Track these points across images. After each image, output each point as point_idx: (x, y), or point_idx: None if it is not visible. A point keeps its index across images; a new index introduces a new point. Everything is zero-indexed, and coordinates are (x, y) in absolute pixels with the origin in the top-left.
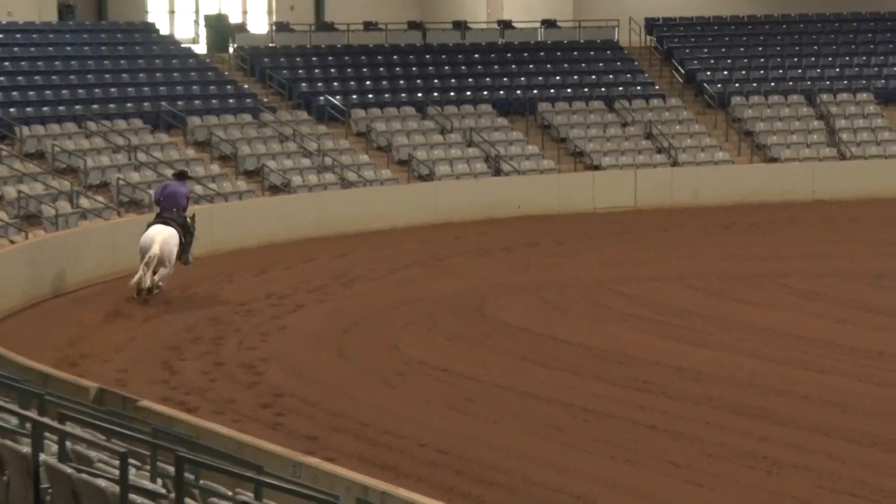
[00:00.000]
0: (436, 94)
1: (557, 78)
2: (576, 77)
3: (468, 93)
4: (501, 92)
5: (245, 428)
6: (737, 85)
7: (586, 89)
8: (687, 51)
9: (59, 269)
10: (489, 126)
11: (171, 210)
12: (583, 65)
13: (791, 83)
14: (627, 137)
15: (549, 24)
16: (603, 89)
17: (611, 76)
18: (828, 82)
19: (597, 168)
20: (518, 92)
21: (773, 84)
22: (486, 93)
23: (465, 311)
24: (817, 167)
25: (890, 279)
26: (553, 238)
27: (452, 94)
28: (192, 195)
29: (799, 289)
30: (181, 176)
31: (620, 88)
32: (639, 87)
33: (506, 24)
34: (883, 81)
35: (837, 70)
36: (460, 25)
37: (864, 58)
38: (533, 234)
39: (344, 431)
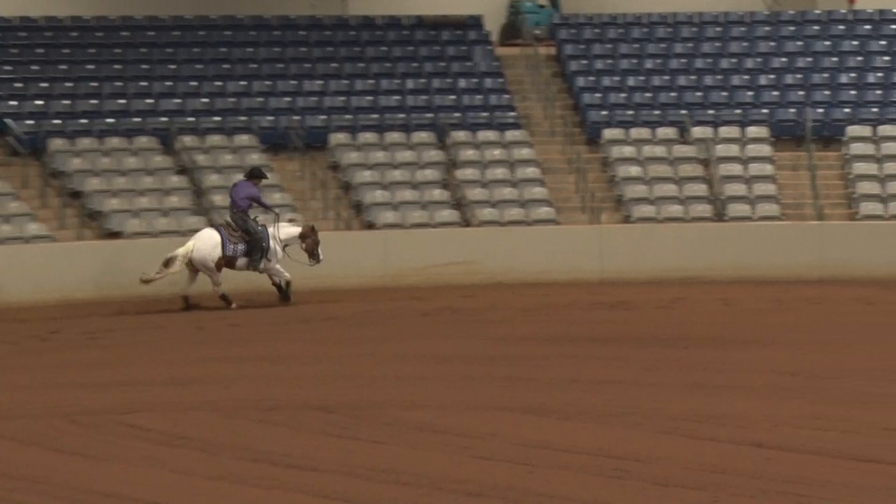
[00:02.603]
0: None
1: None
2: None
3: None
4: None
5: None
6: (57, 122)
7: None
8: None
9: None
10: None
11: (233, 211)
12: None
13: (140, 119)
14: None
15: None
16: None
17: None
18: (193, 119)
19: None
20: None
21: (112, 120)
22: None
23: None
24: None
25: (287, 412)
26: None
27: None
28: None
29: (155, 431)
30: (251, 175)
31: None
32: None
33: None
34: (271, 118)
35: (206, 101)
36: None
37: (244, 82)
38: None
39: None
